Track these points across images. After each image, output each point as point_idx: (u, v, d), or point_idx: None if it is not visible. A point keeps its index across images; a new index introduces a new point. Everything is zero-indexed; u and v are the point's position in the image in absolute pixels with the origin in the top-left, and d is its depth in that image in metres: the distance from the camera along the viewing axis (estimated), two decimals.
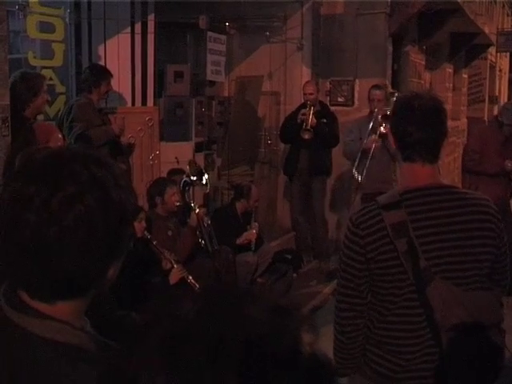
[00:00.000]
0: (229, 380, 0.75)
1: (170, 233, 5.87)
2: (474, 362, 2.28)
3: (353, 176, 6.82)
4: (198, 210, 6.01)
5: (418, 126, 2.34)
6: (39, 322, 1.19)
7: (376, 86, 7.07)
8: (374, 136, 6.41)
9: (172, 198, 5.87)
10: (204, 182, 6.43)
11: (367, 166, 6.47)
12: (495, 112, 19.15)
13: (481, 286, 2.35)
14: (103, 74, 6.29)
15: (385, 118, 6.15)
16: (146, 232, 5.27)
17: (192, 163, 6.65)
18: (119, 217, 1.21)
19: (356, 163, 6.57)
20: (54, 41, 6.37)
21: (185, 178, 6.32)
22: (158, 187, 5.93)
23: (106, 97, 6.47)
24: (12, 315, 1.20)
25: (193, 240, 5.98)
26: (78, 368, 1.14)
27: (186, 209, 6.11)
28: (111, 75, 6.36)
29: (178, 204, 5.91)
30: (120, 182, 1.23)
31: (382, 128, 6.22)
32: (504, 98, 22.09)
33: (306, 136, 7.36)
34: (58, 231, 1.14)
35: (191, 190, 6.36)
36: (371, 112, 6.78)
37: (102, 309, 1.41)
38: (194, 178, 6.27)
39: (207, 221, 6.20)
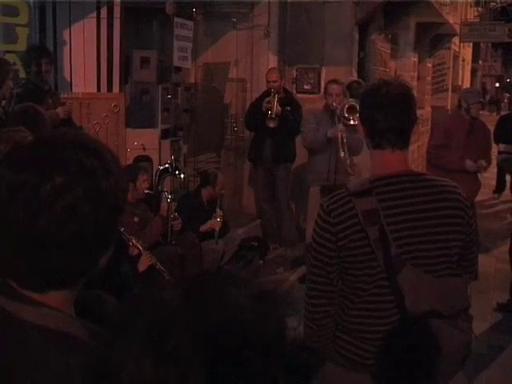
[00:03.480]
0: (215, 367, 0.75)
1: (136, 219, 5.81)
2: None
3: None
4: (169, 201, 6.02)
5: (386, 113, 2.34)
6: (32, 309, 1.17)
7: (333, 81, 6.89)
8: (340, 125, 6.38)
9: (143, 184, 5.86)
10: (182, 176, 6.55)
11: (332, 156, 6.50)
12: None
13: (450, 273, 2.37)
14: None
15: (350, 109, 6.12)
16: None
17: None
18: (109, 206, 1.18)
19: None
20: (17, 25, 6.27)
21: (163, 167, 6.32)
22: (130, 174, 5.79)
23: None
24: (2, 302, 1.18)
25: (163, 228, 5.97)
26: (70, 355, 1.12)
27: (157, 196, 6.13)
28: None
29: (146, 192, 5.89)
30: (111, 169, 1.19)
31: (351, 121, 6.13)
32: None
33: (272, 124, 7.47)
34: (46, 223, 1.11)
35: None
36: (327, 105, 6.74)
37: None
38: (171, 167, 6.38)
39: (174, 213, 6.19)
